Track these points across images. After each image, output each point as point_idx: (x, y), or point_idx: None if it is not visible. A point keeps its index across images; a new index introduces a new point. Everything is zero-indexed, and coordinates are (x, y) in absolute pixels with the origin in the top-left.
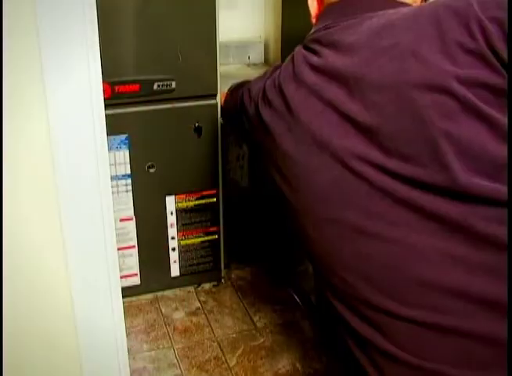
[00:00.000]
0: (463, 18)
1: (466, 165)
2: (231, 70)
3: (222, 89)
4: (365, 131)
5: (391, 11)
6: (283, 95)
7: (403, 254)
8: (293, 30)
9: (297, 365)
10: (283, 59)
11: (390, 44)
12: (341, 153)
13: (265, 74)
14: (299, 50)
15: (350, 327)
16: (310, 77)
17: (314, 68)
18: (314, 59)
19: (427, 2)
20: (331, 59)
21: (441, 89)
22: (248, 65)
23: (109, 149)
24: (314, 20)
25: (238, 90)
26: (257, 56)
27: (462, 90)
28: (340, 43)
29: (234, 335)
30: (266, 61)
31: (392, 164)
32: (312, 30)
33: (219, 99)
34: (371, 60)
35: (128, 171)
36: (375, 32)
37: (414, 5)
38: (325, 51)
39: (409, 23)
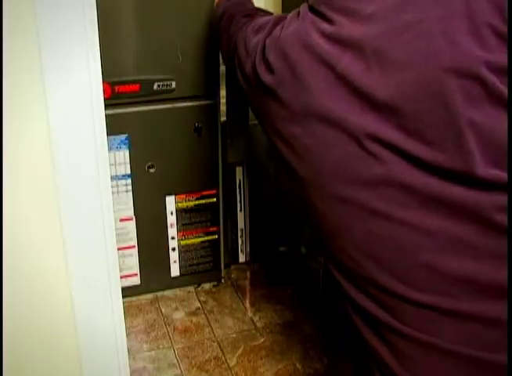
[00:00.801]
0: None
1: (487, 154)
2: None
3: (222, 90)
4: (382, 109)
5: None
6: (287, 59)
7: (415, 237)
8: None
9: (297, 365)
10: None
11: (415, 19)
12: (355, 130)
13: (265, 25)
14: (305, 10)
15: (357, 305)
16: (320, 44)
17: (325, 35)
18: (324, 25)
19: None
20: (346, 27)
21: (469, 75)
22: None
23: (109, 149)
24: None
25: (231, 25)
26: None
27: (491, 77)
28: (355, 11)
29: (234, 335)
30: None
31: (410, 145)
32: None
33: (219, 100)
34: (394, 34)
35: (128, 171)
36: (397, 3)
37: None
38: (337, 17)
39: None
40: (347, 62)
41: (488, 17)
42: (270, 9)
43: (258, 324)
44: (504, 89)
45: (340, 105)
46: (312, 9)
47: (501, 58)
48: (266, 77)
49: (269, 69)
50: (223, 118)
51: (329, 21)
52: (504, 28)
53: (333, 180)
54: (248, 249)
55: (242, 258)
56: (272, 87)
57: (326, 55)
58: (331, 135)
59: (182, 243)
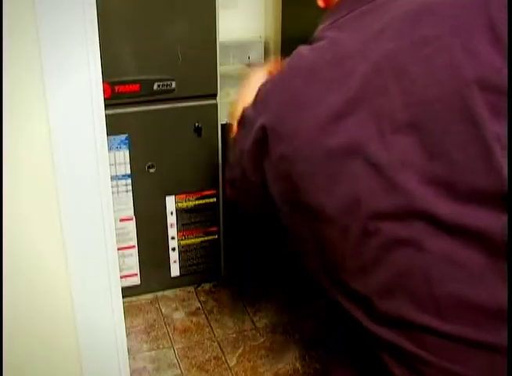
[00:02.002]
0: None
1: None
2: (231, 70)
3: (222, 90)
4: (406, 132)
5: None
6: (291, 94)
7: (443, 268)
8: (293, 30)
9: (297, 365)
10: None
11: (433, 33)
12: (377, 159)
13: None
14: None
15: (381, 340)
16: (324, 69)
17: (329, 59)
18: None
19: None
20: (353, 44)
21: (493, 87)
22: (248, 65)
23: (109, 149)
24: (320, 3)
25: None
26: (257, 56)
27: None
28: (361, 26)
29: (234, 335)
30: (266, 61)
31: (437, 167)
32: (327, 22)
33: (219, 100)
34: (412, 49)
35: (128, 171)
36: (411, 17)
37: None
38: (341, 36)
39: (452, 9)
40: (358, 82)
41: (500, 23)
42: (270, 8)
43: (258, 324)
44: None
45: (357, 133)
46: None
47: None
48: (263, 120)
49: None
50: (223, 118)
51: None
52: None
53: (358, 215)
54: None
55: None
56: (268, 129)
57: (333, 81)
58: (348, 168)
59: (182, 243)
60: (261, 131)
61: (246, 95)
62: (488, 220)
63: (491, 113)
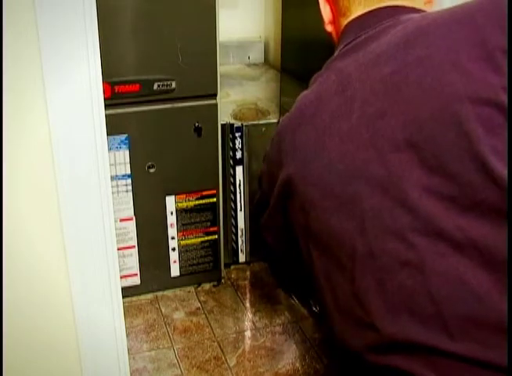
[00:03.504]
0: (506, 22)
1: None
2: (231, 70)
3: (222, 90)
4: (404, 151)
5: (415, 16)
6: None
7: (449, 286)
8: (293, 30)
9: (297, 365)
10: (282, 60)
11: (425, 54)
12: (378, 180)
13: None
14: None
15: (389, 367)
16: (331, 102)
17: (335, 93)
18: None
19: (457, 6)
20: (355, 71)
21: (486, 101)
22: (248, 65)
23: (109, 149)
24: (328, 28)
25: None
26: (257, 56)
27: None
28: (362, 54)
29: (234, 335)
30: (266, 61)
31: (436, 182)
32: (335, 54)
33: (219, 100)
34: (405, 72)
35: (128, 171)
36: (404, 41)
37: (429, 5)
38: (345, 63)
39: (442, 30)
40: (359, 108)
41: (500, 40)
42: (270, 8)
43: (258, 324)
44: None
45: (358, 156)
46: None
47: None
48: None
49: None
50: (223, 118)
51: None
52: None
53: (363, 236)
54: (248, 249)
55: (242, 258)
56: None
57: (336, 110)
58: (352, 191)
59: (182, 243)
60: (285, 179)
61: None
62: (490, 234)
63: (485, 127)
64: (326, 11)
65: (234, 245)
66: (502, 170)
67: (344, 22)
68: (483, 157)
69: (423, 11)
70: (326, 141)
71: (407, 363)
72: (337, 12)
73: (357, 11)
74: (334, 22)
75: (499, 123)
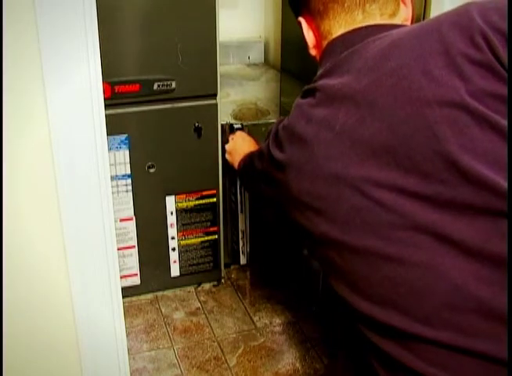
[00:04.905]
0: (467, 31)
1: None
2: (231, 70)
3: (222, 90)
4: (380, 153)
5: (393, 31)
6: (295, 136)
7: (428, 277)
8: (293, 30)
9: (297, 365)
10: (282, 60)
11: (397, 64)
12: (358, 181)
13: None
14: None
15: (378, 350)
16: (316, 113)
17: (315, 105)
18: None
19: (429, 19)
20: (339, 85)
21: (452, 104)
22: (248, 65)
23: (109, 149)
24: (312, 52)
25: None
26: (257, 56)
27: (473, 103)
28: (346, 69)
29: (234, 335)
30: (266, 61)
31: (411, 182)
32: (318, 73)
33: (219, 100)
34: (380, 82)
35: (128, 171)
36: (380, 54)
37: (406, 23)
38: (330, 81)
39: (413, 41)
40: (342, 117)
41: (463, 48)
42: (270, 8)
43: (258, 324)
44: (489, 112)
45: (341, 161)
46: (304, 93)
47: (479, 84)
48: (277, 154)
49: (280, 146)
50: (223, 118)
51: (313, 94)
52: (476, 55)
53: (347, 234)
54: (249, 250)
55: (243, 260)
56: (283, 163)
57: (323, 120)
58: (335, 192)
59: (182, 243)
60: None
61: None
62: (465, 228)
63: (453, 128)
64: (309, 36)
65: (235, 245)
66: (473, 166)
67: (326, 43)
68: (453, 156)
69: (403, 26)
70: (313, 150)
71: (394, 348)
72: (320, 36)
73: (338, 32)
74: (318, 46)
75: (466, 123)
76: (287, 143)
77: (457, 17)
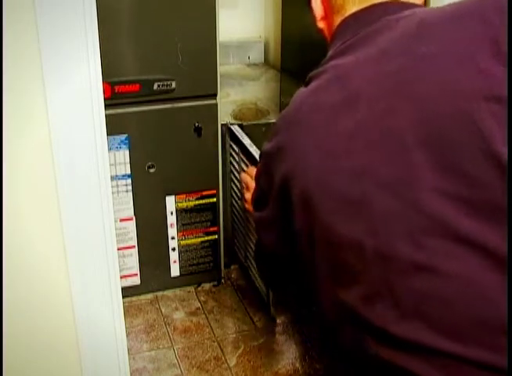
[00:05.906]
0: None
1: None
2: (231, 70)
3: (222, 90)
4: (415, 149)
5: (418, 10)
6: (293, 122)
7: (462, 290)
8: (293, 30)
9: (297, 365)
10: (282, 59)
11: (434, 49)
12: (387, 180)
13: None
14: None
15: (389, 365)
16: (330, 101)
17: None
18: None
19: (462, 1)
20: (357, 67)
21: (498, 99)
22: (248, 65)
23: (109, 149)
24: (320, 24)
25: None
26: (257, 56)
27: None
28: (365, 49)
29: (234, 335)
30: (266, 61)
31: (448, 184)
32: (328, 55)
33: (219, 100)
34: (416, 67)
35: (128, 171)
36: (410, 35)
37: (420, 3)
38: (345, 60)
39: (451, 24)
40: (364, 104)
41: (506, 37)
42: (270, 8)
43: (258, 324)
44: None
45: (367, 155)
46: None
47: None
48: (272, 143)
49: (274, 136)
50: (223, 118)
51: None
52: None
53: (373, 238)
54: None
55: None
56: (279, 147)
57: (335, 106)
58: (359, 190)
59: (182, 243)
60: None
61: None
62: (499, 236)
63: (499, 124)
64: (317, 7)
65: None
66: None
67: (338, 19)
68: (498, 155)
69: (421, 6)
70: (325, 138)
71: (414, 363)
72: (330, 9)
73: (352, 8)
74: (327, 18)
75: (505, 118)
76: (284, 129)
77: (503, 2)
